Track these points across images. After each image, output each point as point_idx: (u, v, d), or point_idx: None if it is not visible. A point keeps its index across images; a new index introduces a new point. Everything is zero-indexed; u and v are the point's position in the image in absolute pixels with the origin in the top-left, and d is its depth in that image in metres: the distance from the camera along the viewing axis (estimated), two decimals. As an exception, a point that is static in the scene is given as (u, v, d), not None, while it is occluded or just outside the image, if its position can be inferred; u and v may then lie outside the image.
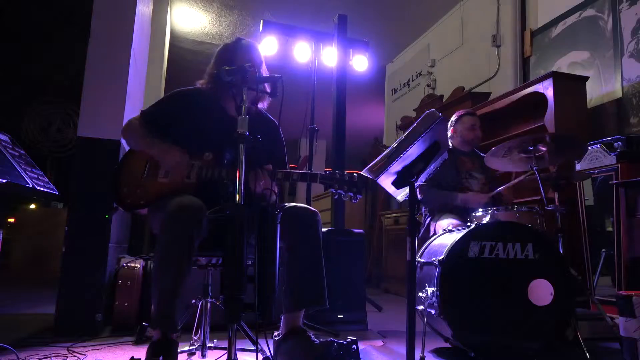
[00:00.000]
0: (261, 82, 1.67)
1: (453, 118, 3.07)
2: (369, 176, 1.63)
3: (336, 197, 1.78)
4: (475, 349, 1.91)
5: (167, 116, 1.89)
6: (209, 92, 1.91)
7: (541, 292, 1.98)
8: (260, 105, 1.99)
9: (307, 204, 2.38)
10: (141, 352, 1.55)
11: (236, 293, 1.40)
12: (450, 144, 3.06)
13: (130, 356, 1.57)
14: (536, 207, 2.33)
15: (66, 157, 7.32)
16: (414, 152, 1.59)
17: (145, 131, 1.84)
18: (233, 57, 1.89)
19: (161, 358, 1.45)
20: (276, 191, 1.72)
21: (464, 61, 5.22)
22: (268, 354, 1.59)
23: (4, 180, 1.66)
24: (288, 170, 1.77)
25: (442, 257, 1.99)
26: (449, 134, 3.05)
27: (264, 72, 1.92)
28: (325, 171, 1.80)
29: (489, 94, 4.48)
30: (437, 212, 2.86)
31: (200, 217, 1.58)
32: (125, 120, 2.58)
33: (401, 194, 1.74)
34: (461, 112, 3.09)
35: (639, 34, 3.26)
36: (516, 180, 2.64)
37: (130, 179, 1.78)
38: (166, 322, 1.53)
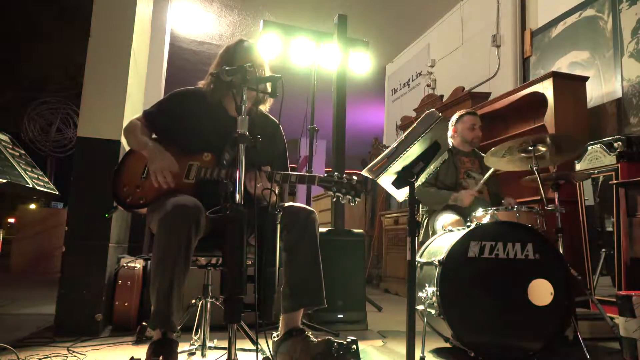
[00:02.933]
0: (261, 82, 1.66)
1: (454, 117, 3.08)
2: (369, 176, 1.63)
3: (334, 199, 1.78)
4: (475, 349, 1.91)
5: (169, 116, 1.89)
6: (210, 92, 1.91)
7: (541, 292, 1.97)
8: (262, 108, 1.98)
9: (307, 204, 2.38)
10: (141, 352, 1.55)
11: (236, 293, 1.41)
12: (451, 144, 3.07)
13: (130, 356, 1.57)
14: (536, 207, 2.33)
15: (66, 157, 7.32)
16: (414, 152, 1.59)
17: (145, 131, 1.85)
18: (233, 57, 1.89)
19: (161, 358, 1.45)
20: (276, 191, 1.71)
21: (464, 61, 5.22)
22: (268, 354, 1.59)
23: (4, 180, 1.67)
24: (286, 172, 1.76)
25: (442, 257, 1.99)
26: (450, 133, 3.06)
27: (266, 73, 1.92)
28: (325, 172, 1.79)
29: (489, 94, 4.48)
30: (435, 211, 2.87)
31: (198, 216, 1.58)
32: (125, 120, 2.58)
33: (401, 194, 1.74)
34: (462, 111, 3.10)
35: (639, 34, 3.26)
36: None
37: (130, 178, 1.79)
38: (165, 322, 1.52)
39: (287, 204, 1.82)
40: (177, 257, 1.54)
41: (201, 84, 1.94)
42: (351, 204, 1.76)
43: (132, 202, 1.76)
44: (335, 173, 1.76)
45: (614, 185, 2.69)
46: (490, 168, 2.76)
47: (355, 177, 1.75)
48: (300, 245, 1.76)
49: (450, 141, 3.07)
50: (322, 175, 1.76)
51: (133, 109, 2.85)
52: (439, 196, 2.83)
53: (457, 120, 3.04)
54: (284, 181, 1.75)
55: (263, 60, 1.94)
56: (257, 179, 1.66)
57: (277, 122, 1.96)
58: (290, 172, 1.77)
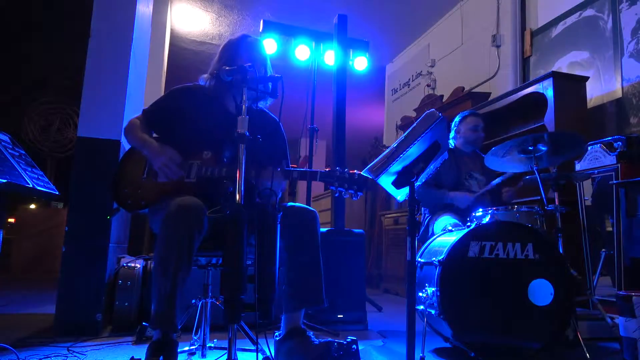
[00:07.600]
0: (261, 82, 1.66)
1: (457, 118, 3.06)
2: (369, 176, 1.63)
3: (337, 195, 1.77)
4: (475, 349, 1.91)
5: (168, 113, 1.88)
6: (210, 89, 1.90)
7: (541, 292, 1.97)
8: (261, 105, 1.98)
9: (307, 204, 2.38)
10: (141, 352, 1.55)
11: (236, 293, 1.40)
12: (452, 144, 3.06)
13: (130, 356, 1.57)
14: (536, 207, 2.33)
15: (66, 157, 7.32)
16: (414, 152, 1.59)
17: (145, 129, 1.84)
18: (235, 55, 1.87)
19: (161, 358, 1.45)
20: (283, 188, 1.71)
21: (464, 61, 5.22)
22: (268, 354, 1.59)
23: (4, 180, 1.66)
24: (288, 169, 1.76)
25: (442, 257, 1.99)
26: (452, 133, 3.05)
27: (268, 70, 1.91)
28: (325, 170, 1.79)
29: (489, 94, 4.48)
30: (436, 212, 2.87)
31: (201, 217, 1.58)
32: (125, 120, 2.58)
33: (401, 194, 1.74)
34: (466, 112, 3.07)
35: (639, 34, 3.26)
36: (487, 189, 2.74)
37: (131, 180, 1.78)
38: (166, 322, 1.52)
39: (288, 204, 1.82)
40: (180, 259, 1.53)
41: (203, 79, 1.91)
42: (353, 198, 1.76)
43: (134, 204, 1.76)
44: (337, 168, 1.76)
45: (614, 185, 2.69)
46: (490, 169, 2.75)
47: (357, 171, 1.75)
48: (302, 245, 1.75)
49: (452, 141, 3.06)
50: (323, 171, 1.76)
51: (133, 109, 2.85)
52: (436, 194, 2.83)
53: (461, 121, 3.03)
54: (285, 177, 1.74)
55: (266, 57, 1.92)
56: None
57: (277, 119, 1.96)
58: (292, 169, 1.76)
